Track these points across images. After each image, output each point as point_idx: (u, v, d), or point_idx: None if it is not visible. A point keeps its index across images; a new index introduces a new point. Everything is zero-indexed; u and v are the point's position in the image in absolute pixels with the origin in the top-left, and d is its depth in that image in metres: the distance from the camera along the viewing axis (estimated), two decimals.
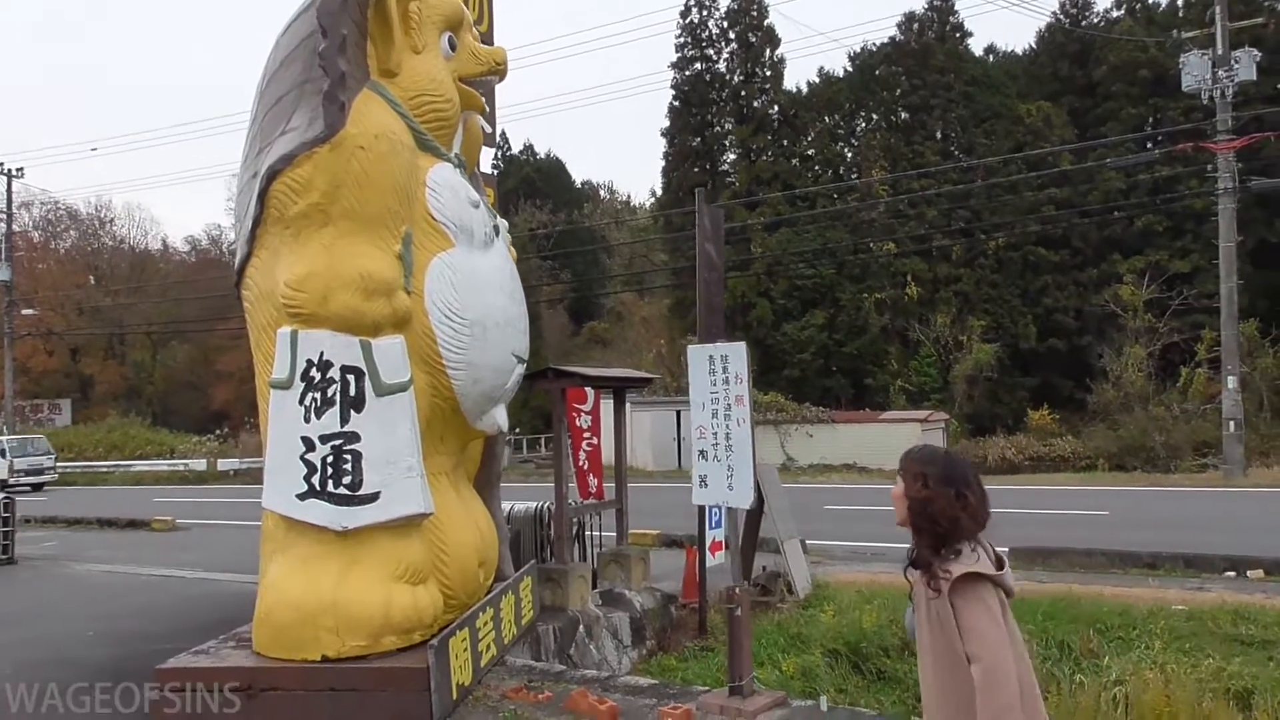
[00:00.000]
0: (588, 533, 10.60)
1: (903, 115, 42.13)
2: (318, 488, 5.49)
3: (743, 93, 43.23)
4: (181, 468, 36.74)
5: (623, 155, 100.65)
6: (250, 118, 6.40)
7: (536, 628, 7.92)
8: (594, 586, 9.68)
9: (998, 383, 36.98)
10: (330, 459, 5.49)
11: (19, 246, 49.45)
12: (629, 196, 68.13)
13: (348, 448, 5.49)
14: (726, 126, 44.00)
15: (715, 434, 5.31)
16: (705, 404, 5.37)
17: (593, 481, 10.35)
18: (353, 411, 5.51)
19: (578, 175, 63.76)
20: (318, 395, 5.52)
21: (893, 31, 43.55)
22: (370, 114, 5.68)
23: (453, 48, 6.52)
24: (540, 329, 47.61)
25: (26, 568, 14.77)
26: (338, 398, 5.51)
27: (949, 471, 2.95)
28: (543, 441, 39.12)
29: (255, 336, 6.02)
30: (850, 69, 44.03)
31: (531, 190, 53.97)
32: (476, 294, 6.04)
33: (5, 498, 15.64)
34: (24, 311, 43.62)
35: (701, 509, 8.95)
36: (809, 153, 43.29)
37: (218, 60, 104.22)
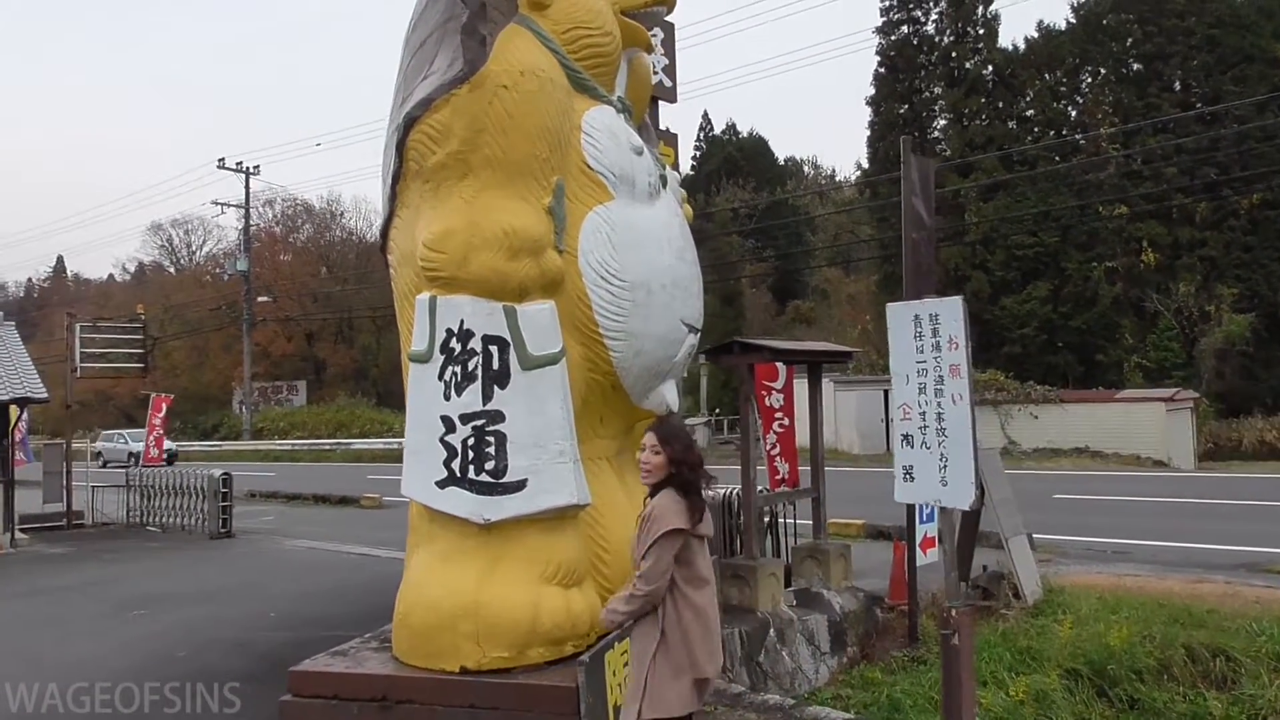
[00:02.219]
0: (782, 523, 9.67)
1: (1135, 66, 38.09)
2: (458, 474, 4.86)
3: (954, 54, 40.44)
4: (396, 446, 38.35)
5: (826, 129, 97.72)
6: (397, 70, 5.85)
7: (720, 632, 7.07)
8: (788, 585, 8.73)
9: (1254, 357, 32.81)
10: (471, 441, 4.84)
11: (261, 239, 53.48)
12: (833, 170, 65.91)
13: (490, 428, 4.83)
14: (936, 91, 41.33)
15: (924, 414, 4.23)
16: (910, 376, 4.30)
17: (783, 467, 9.39)
18: (496, 387, 4.84)
19: (781, 152, 62.25)
20: (458, 369, 4.88)
21: None
22: (515, 49, 4.97)
23: None
24: (742, 308, 46.80)
25: (243, 541, 15.43)
26: (479, 372, 4.85)
27: (688, 439, 3.78)
28: None
29: (398, 305, 5.47)
30: (1073, 20, 40.24)
31: (734, 169, 53.25)
32: (638, 252, 5.23)
33: (224, 475, 16.45)
34: (260, 299, 46.97)
35: None
36: (1028, 113, 39.92)
37: None
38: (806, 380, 9.22)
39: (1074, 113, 39.99)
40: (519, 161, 4.91)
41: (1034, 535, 11.77)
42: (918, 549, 8.36)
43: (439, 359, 4.92)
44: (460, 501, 4.86)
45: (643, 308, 5.21)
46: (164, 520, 17.55)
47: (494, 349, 4.84)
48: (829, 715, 4.92)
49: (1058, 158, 37.37)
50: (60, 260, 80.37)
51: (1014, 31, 69.02)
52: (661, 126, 8.83)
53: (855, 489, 15.54)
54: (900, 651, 8.24)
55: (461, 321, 4.86)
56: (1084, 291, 35.62)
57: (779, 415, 9.18)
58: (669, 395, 5.64)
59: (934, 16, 40.98)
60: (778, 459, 9.45)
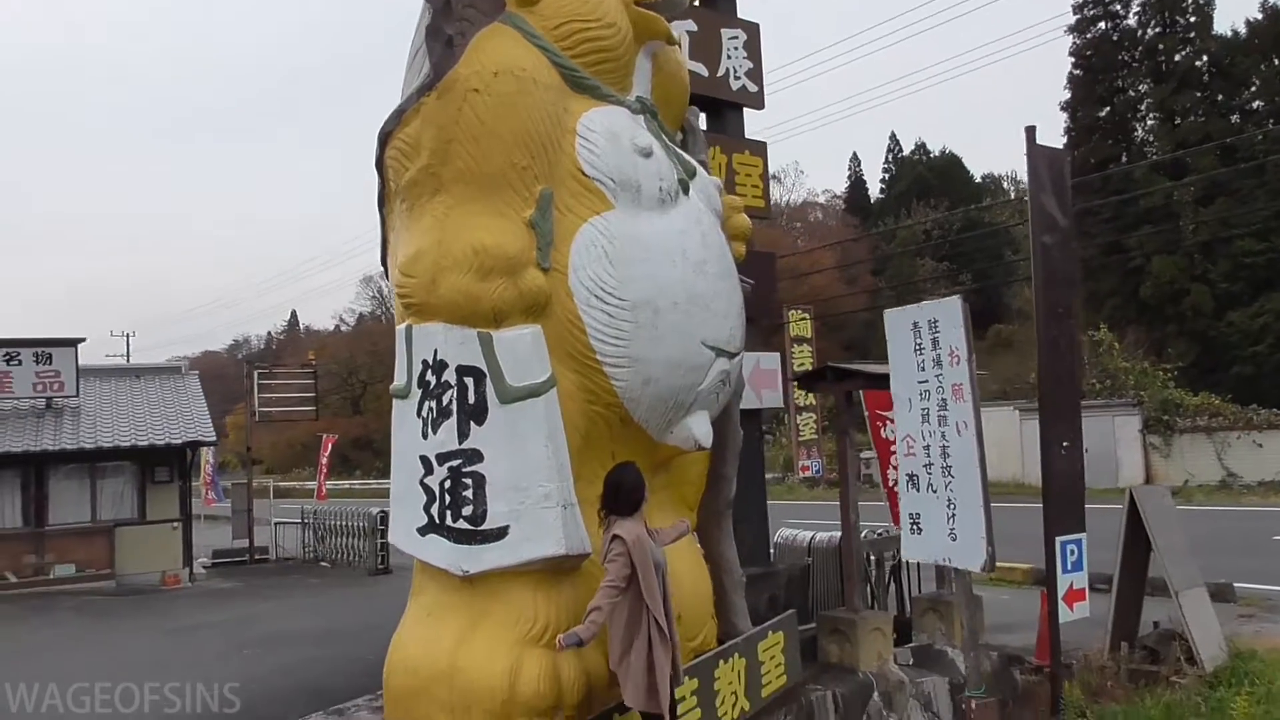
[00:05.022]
0: (906, 569, 8.65)
1: None
2: (437, 520, 4.38)
3: (1160, 47, 37.00)
4: None
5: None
6: None
7: (806, 696, 6.22)
8: (909, 640, 7.70)
9: None
10: (448, 484, 4.35)
11: None
12: None
13: (467, 469, 4.32)
14: (1141, 89, 37.91)
15: (928, 448, 3.34)
16: (911, 400, 3.42)
17: None
18: (473, 423, 4.33)
19: (976, 169, 59.07)
20: (434, 404, 4.41)
21: None
22: (490, 49, 4.49)
23: None
24: None
25: (397, 578, 15.62)
26: (454, 407, 4.35)
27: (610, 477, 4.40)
28: None
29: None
30: None
31: (925, 189, 51.04)
32: (642, 266, 4.59)
33: (381, 513, 16.81)
34: None
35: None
36: (1252, 105, 35.87)
37: None
38: None
39: None
40: (495, 172, 4.42)
41: (1243, 583, 10.14)
42: (1061, 602, 7.15)
43: (416, 393, 4.48)
44: (439, 550, 4.39)
45: (647, 330, 4.56)
46: (334, 556, 18.22)
47: (469, 381, 4.33)
48: None
49: None
50: (294, 314, 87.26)
51: (1231, 15, 62.29)
52: (748, 135, 8.18)
53: (1030, 529, 14.00)
54: None
55: (435, 351, 4.40)
56: None
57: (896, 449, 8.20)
58: (697, 429, 4.92)
59: (1135, 9, 37.73)
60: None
